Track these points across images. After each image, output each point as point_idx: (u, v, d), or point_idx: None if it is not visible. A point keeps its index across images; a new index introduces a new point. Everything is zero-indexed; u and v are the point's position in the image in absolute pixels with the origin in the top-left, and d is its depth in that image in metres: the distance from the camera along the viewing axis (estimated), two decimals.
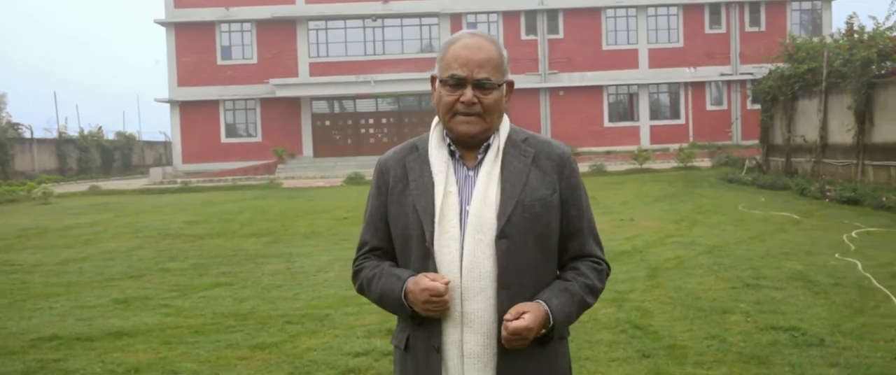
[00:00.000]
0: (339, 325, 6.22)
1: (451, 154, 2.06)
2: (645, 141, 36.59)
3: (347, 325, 6.20)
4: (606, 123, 37.26)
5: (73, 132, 41.53)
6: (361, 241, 2.19)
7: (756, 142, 25.25)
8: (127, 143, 46.84)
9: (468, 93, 1.98)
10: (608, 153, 33.23)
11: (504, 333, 1.90)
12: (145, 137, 52.22)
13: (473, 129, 2.01)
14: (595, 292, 2.08)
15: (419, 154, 2.09)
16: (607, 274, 2.15)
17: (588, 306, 2.08)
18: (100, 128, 43.59)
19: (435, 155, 2.06)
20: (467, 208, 1.98)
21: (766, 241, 9.90)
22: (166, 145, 50.51)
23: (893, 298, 6.27)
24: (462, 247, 1.96)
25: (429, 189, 2.02)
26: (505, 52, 2.07)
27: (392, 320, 6.24)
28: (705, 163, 28.72)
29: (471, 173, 2.04)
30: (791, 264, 8.08)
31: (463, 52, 2.01)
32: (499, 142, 2.05)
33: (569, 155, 2.10)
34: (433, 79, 2.08)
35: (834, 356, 4.91)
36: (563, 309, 1.98)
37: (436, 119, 2.11)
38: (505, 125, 2.10)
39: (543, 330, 1.95)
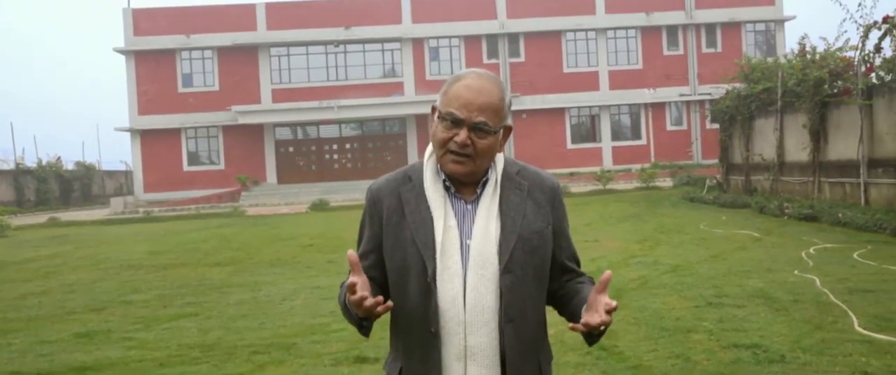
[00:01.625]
0: (305, 354, 6.19)
1: (447, 188, 2.06)
2: (607, 162, 37.05)
3: (314, 353, 6.17)
4: (569, 145, 37.65)
5: (31, 163, 40.75)
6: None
7: (716, 161, 25.68)
8: (87, 173, 46.08)
9: (462, 135, 1.98)
10: (572, 174, 33.54)
11: (605, 317, 1.88)
12: (106, 167, 51.40)
13: (461, 170, 2.01)
14: None
15: (414, 185, 2.08)
16: None
17: None
18: (59, 158, 42.85)
19: (431, 188, 2.06)
20: (468, 242, 1.99)
21: (728, 259, 10.05)
22: (127, 174, 49.80)
23: (851, 313, 6.41)
24: (465, 282, 1.98)
25: (428, 223, 2.02)
26: (508, 97, 2.08)
27: (360, 347, 6.24)
28: (667, 182, 29.12)
29: (469, 207, 2.05)
30: (752, 282, 8.21)
31: (465, 93, 1.99)
32: (496, 175, 2.07)
33: (558, 186, 2.16)
34: (433, 108, 2.06)
35: (795, 372, 5.00)
36: None
37: (429, 149, 2.09)
38: (500, 158, 2.11)
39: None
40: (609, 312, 1.88)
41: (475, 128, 1.98)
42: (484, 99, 1.99)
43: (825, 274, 8.41)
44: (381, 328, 2.10)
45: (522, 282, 2.01)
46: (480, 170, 2.05)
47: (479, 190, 2.06)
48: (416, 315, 2.01)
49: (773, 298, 7.25)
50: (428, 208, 2.03)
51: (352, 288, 1.86)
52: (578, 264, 2.22)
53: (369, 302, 1.86)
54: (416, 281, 2.00)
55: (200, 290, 9.98)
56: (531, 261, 2.02)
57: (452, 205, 2.04)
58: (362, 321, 1.98)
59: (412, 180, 2.09)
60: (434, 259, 1.98)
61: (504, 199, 2.04)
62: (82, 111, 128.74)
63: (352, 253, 1.92)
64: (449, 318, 1.97)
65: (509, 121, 2.11)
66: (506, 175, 2.08)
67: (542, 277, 2.08)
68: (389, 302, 1.92)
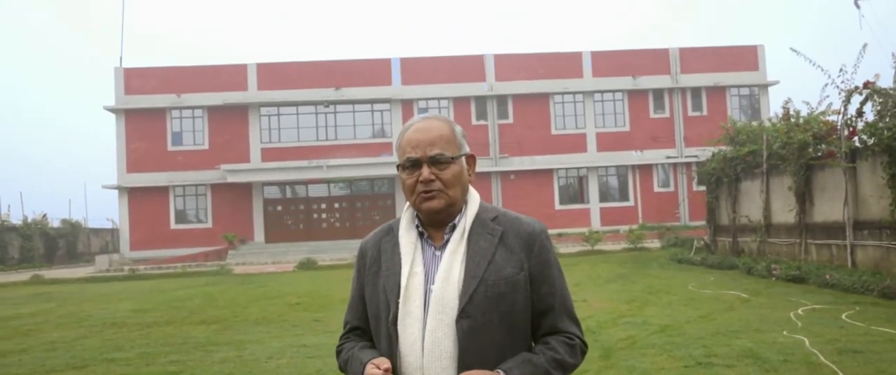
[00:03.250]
0: None
1: (420, 234, 2.09)
2: (595, 222, 37.14)
3: None
4: (557, 206, 37.77)
5: (16, 220, 40.47)
6: (344, 321, 2.25)
7: (703, 222, 25.79)
8: (72, 231, 45.76)
9: (425, 172, 2.03)
10: (560, 235, 33.59)
11: None
12: (92, 224, 51.10)
13: (438, 205, 2.04)
14: (564, 367, 2.03)
15: (393, 235, 2.13)
16: (584, 352, 2.11)
17: None
18: (44, 215, 42.59)
19: (404, 236, 2.09)
20: (431, 287, 1.99)
21: (717, 320, 10.02)
22: (113, 232, 49.48)
23: (840, 373, 6.38)
24: (424, 327, 1.96)
25: (397, 269, 2.05)
26: (458, 128, 2.13)
27: None
28: (655, 243, 29.17)
29: (438, 253, 2.06)
30: (741, 342, 8.18)
31: (414, 136, 2.07)
32: (465, 221, 2.07)
33: (540, 232, 2.11)
34: (398, 168, 2.13)
35: None
36: None
37: (408, 202, 2.15)
38: (473, 203, 2.12)
39: None
40: None
41: (433, 162, 2.04)
42: (433, 134, 2.07)
43: (814, 334, 8.39)
44: None
45: (483, 329, 1.96)
46: (458, 200, 2.08)
47: (446, 235, 2.06)
48: None
49: (762, 358, 7.22)
50: (400, 256, 2.06)
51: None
52: (572, 318, 2.12)
53: None
54: (383, 326, 2.03)
55: (184, 348, 9.83)
56: (497, 308, 1.98)
57: (423, 251, 2.07)
58: None
59: (393, 231, 2.16)
60: (397, 303, 2.00)
61: (472, 244, 2.04)
62: (70, 168, 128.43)
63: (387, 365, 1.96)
64: (408, 364, 1.97)
65: (467, 150, 2.14)
66: (478, 220, 2.09)
67: (513, 326, 2.02)
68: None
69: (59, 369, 8.71)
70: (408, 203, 2.14)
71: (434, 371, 1.94)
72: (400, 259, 2.06)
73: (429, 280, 2.02)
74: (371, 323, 2.11)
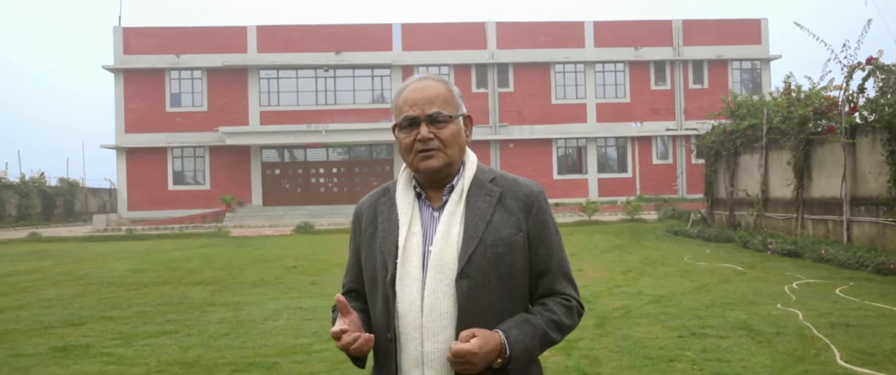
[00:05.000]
0: (287, 373, 6.13)
1: (418, 195, 2.09)
2: (593, 193, 37.18)
3: (296, 373, 6.11)
4: (555, 176, 37.76)
5: (13, 177, 40.46)
6: (342, 283, 2.26)
7: (701, 195, 25.83)
8: (70, 190, 45.78)
9: (423, 130, 2.01)
10: (557, 205, 33.63)
11: (447, 354, 1.89)
12: (90, 184, 51.15)
13: (436, 163, 2.02)
14: (561, 327, 2.04)
15: (389, 197, 2.12)
16: (580, 313, 2.11)
17: (553, 341, 2.04)
18: (42, 173, 42.63)
19: (401, 197, 2.08)
20: (430, 248, 1.99)
21: (711, 292, 10.08)
22: (111, 192, 49.54)
23: (833, 347, 6.43)
24: (423, 287, 1.96)
25: (394, 230, 2.04)
26: (455, 89, 2.11)
27: (342, 367, 6.21)
28: (652, 215, 29.24)
29: (436, 214, 2.05)
30: (735, 314, 8.23)
31: (412, 95, 2.05)
32: (463, 182, 2.06)
33: (538, 193, 2.10)
34: (394, 130, 2.11)
35: None
36: (524, 340, 1.95)
37: (405, 163, 2.13)
38: (471, 164, 2.11)
39: (499, 360, 1.92)
40: (455, 353, 1.86)
41: (431, 121, 2.03)
42: (431, 92, 2.05)
43: (808, 308, 8.44)
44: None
45: (483, 289, 1.96)
46: (455, 160, 2.07)
47: (445, 196, 2.06)
48: (380, 322, 2.02)
49: (755, 330, 7.27)
50: (397, 216, 2.06)
51: (336, 336, 1.91)
52: (569, 280, 2.12)
53: (347, 339, 1.90)
54: (381, 287, 2.02)
55: (181, 308, 9.89)
56: (495, 269, 1.98)
57: (420, 212, 2.06)
58: (356, 360, 2.02)
59: (390, 192, 2.14)
60: (395, 263, 1.99)
61: (470, 205, 2.03)
62: (68, 127, 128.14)
63: (340, 297, 1.94)
64: (407, 324, 1.96)
65: (464, 110, 2.13)
66: (476, 181, 2.08)
67: (512, 287, 2.02)
68: (370, 336, 1.95)
69: (56, 325, 8.76)
70: (404, 164, 2.13)
71: (433, 331, 1.94)
72: (397, 219, 2.05)
73: (427, 240, 2.01)
74: (367, 285, 2.10)
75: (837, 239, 14.60)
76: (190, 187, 37.05)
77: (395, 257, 2.00)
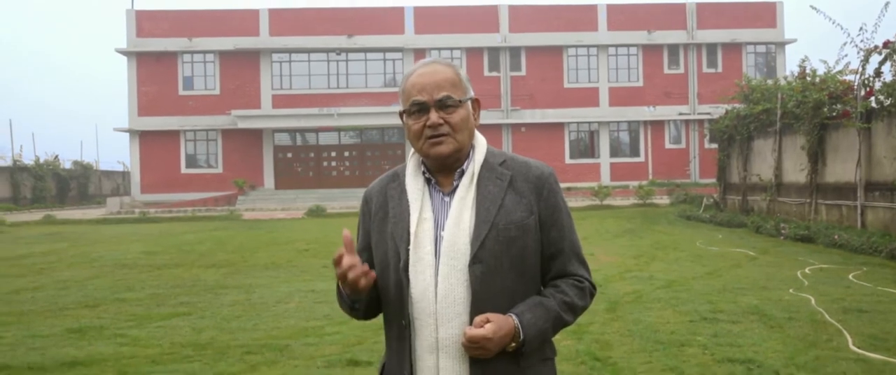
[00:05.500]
0: (299, 356, 6.16)
1: (428, 181, 2.08)
2: (605, 178, 37.09)
3: (308, 356, 6.15)
4: (567, 160, 37.68)
5: (28, 160, 40.74)
6: None
7: (713, 180, 25.72)
8: (84, 173, 46.06)
9: (433, 116, 2.00)
10: (569, 189, 33.57)
11: (462, 340, 1.91)
12: (103, 167, 51.41)
13: (446, 149, 2.01)
14: (574, 309, 2.05)
15: (399, 182, 2.11)
16: (592, 294, 2.11)
17: (566, 323, 2.05)
18: (56, 156, 42.86)
19: (411, 182, 2.07)
20: (442, 233, 1.98)
21: (723, 277, 10.05)
22: (125, 175, 49.81)
23: (845, 332, 6.41)
24: (436, 273, 1.96)
25: (405, 216, 2.03)
26: (463, 72, 2.10)
27: (353, 350, 6.24)
28: (664, 200, 29.14)
29: (447, 199, 2.04)
30: (747, 299, 8.21)
31: (420, 80, 2.03)
32: (473, 166, 2.05)
33: (548, 175, 2.09)
34: (401, 115, 2.10)
35: None
36: (537, 323, 1.95)
37: (414, 149, 2.13)
38: (480, 148, 2.10)
39: (513, 344, 1.93)
40: (469, 338, 1.88)
41: (440, 106, 2.01)
42: (439, 77, 2.04)
43: (820, 293, 8.41)
44: (375, 332, 2.12)
45: (496, 273, 1.96)
46: (465, 145, 2.06)
47: (455, 181, 2.05)
48: (393, 309, 2.03)
49: (767, 315, 7.25)
50: (407, 202, 2.05)
51: (338, 262, 1.92)
52: (581, 261, 2.12)
53: (355, 271, 1.92)
54: (393, 273, 2.01)
55: (194, 291, 9.96)
56: (507, 252, 1.97)
57: (431, 197, 2.05)
58: (354, 303, 2.04)
59: (399, 177, 2.13)
60: (407, 250, 1.99)
61: (481, 189, 2.02)
62: (82, 110, 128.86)
63: (347, 232, 1.95)
64: (421, 310, 1.96)
65: (472, 93, 2.12)
66: (486, 165, 2.07)
67: (524, 270, 2.02)
68: (372, 272, 1.96)
69: (71, 307, 8.84)
70: (412, 149, 2.12)
71: (447, 317, 1.94)
72: (408, 205, 2.04)
73: (439, 226, 2.00)
74: (377, 270, 2.09)
75: (851, 224, 14.51)
76: (202, 170, 37.21)
77: (408, 243, 1.99)
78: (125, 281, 11.10)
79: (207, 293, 9.75)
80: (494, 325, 1.88)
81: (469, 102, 2.08)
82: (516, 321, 1.93)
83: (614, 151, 38.16)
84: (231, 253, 14.85)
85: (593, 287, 2.12)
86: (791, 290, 8.69)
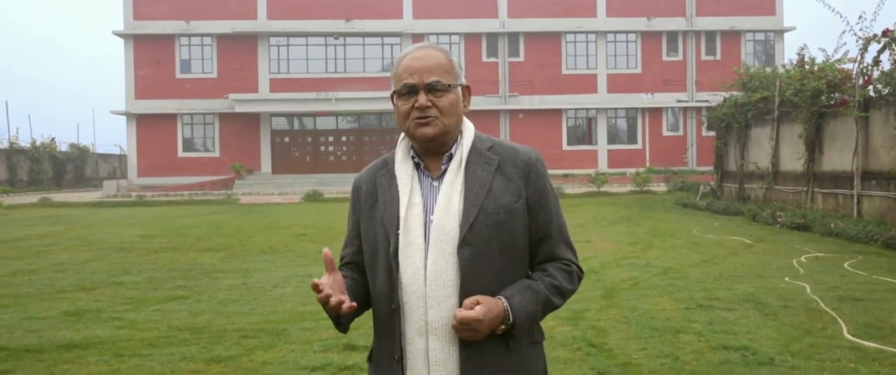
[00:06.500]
0: (295, 340, 6.19)
1: (416, 166, 2.09)
2: (602, 164, 37.09)
3: (304, 340, 6.17)
4: (565, 146, 37.67)
5: (24, 142, 40.65)
6: (341, 256, 2.26)
7: (711, 168, 25.72)
8: (80, 155, 45.96)
9: (421, 98, 2.02)
10: (566, 176, 33.58)
11: (452, 322, 1.93)
12: (100, 150, 51.30)
13: (432, 131, 2.03)
14: (562, 292, 2.08)
15: (388, 169, 2.13)
16: (580, 278, 2.14)
17: (554, 306, 2.07)
18: (53, 139, 42.75)
19: (400, 168, 2.09)
20: (431, 218, 2.00)
21: (719, 264, 10.08)
22: (121, 158, 49.69)
23: (840, 320, 6.44)
24: (426, 257, 1.98)
25: (395, 202, 2.05)
26: (455, 58, 2.12)
27: (349, 335, 6.25)
28: (661, 187, 29.16)
29: (435, 183, 2.06)
30: (743, 286, 8.24)
31: (411, 63, 2.06)
32: (462, 151, 2.07)
33: (535, 160, 2.11)
34: (392, 97, 2.12)
35: (783, 374, 5.03)
36: (526, 306, 1.98)
37: (402, 133, 2.14)
38: (469, 133, 2.12)
39: (503, 327, 1.95)
40: (460, 320, 1.90)
41: (430, 89, 2.04)
42: (431, 61, 2.06)
43: (816, 281, 8.44)
44: (370, 317, 2.13)
45: (485, 257, 1.98)
46: (452, 129, 2.07)
47: (444, 166, 2.07)
48: (383, 293, 2.04)
49: (763, 303, 7.28)
50: (397, 188, 2.06)
51: (316, 288, 1.93)
52: (568, 245, 2.15)
53: (333, 301, 1.93)
54: (383, 259, 2.04)
55: (191, 274, 9.97)
56: (497, 236, 2.00)
57: (420, 182, 2.07)
58: (339, 318, 2.04)
59: (389, 164, 2.15)
60: (397, 235, 2.01)
61: (469, 174, 2.04)
62: (78, 93, 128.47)
63: (327, 251, 1.98)
64: (411, 293, 1.98)
65: (463, 80, 2.13)
66: (474, 150, 2.09)
67: (513, 254, 2.04)
68: (353, 304, 1.96)
69: (68, 290, 8.85)
70: (402, 134, 2.13)
71: (437, 299, 1.96)
72: (397, 191, 2.05)
73: (428, 210, 2.02)
74: (367, 257, 2.12)
75: (847, 213, 14.55)
76: (199, 154, 37.15)
77: (397, 228, 2.01)
78: (122, 264, 11.10)
79: (204, 277, 9.76)
80: (484, 307, 1.91)
81: (459, 88, 2.11)
82: (506, 303, 1.96)
83: (612, 138, 38.14)
84: (228, 237, 14.86)
85: (580, 270, 2.15)
86: (787, 278, 8.72)
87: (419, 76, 2.03)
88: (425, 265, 1.98)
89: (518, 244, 2.06)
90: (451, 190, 2.02)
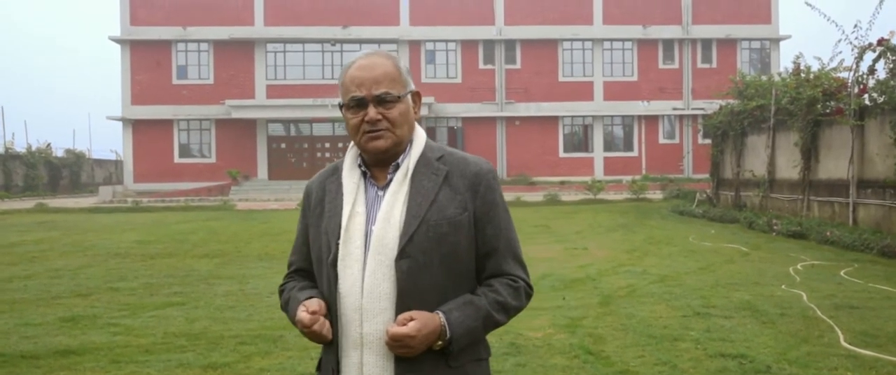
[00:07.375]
0: (292, 346, 6.17)
1: (363, 174, 2.05)
2: (599, 172, 37.15)
3: (301, 346, 6.16)
4: (561, 154, 37.72)
5: (20, 148, 40.57)
6: (289, 262, 2.23)
7: (707, 175, 25.79)
8: (76, 161, 45.88)
9: (371, 112, 1.97)
10: (563, 183, 33.61)
11: (385, 338, 1.88)
12: (96, 155, 51.22)
13: (384, 144, 1.98)
14: (507, 309, 2.01)
15: (337, 176, 2.08)
16: (528, 295, 2.07)
17: (497, 323, 2.00)
18: (48, 144, 42.70)
19: (347, 177, 2.04)
20: (372, 228, 1.96)
21: (716, 272, 10.09)
22: (117, 164, 49.65)
23: (837, 328, 6.44)
24: (364, 268, 1.93)
25: (338, 211, 2.00)
26: (403, 65, 2.06)
27: None
28: (657, 195, 29.21)
29: (380, 193, 2.01)
30: (739, 294, 8.25)
31: (358, 73, 2.00)
32: (409, 161, 2.02)
33: (486, 172, 2.04)
34: (340, 108, 2.06)
35: None
36: (465, 322, 1.92)
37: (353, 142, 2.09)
38: (419, 142, 2.06)
39: (440, 342, 1.90)
40: (391, 336, 1.86)
41: (379, 101, 1.98)
42: (378, 71, 2.00)
43: (812, 289, 8.45)
44: None
45: (424, 269, 1.92)
46: (403, 140, 2.02)
47: (390, 175, 2.02)
48: (328, 304, 1.99)
49: (760, 311, 7.29)
50: (342, 196, 2.02)
51: (308, 323, 1.92)
52: (517, 261, 2.08)
53: (317, 327, 1.92)
54: (325, 268, 2.00)
55: (188, 281, 9.95)
56: (438, 249, 1.93)
57: (365, 191, 2.02)
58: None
59: (338, 171, 2.10)
60: (337, 244, 1.97)
61: (415, 184, 1.98)
62: (74, 98, 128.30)
63: (308, 317, 1.94)
64: (347, 305, 1.94)
65: (412, 86, 2.08)
66: (422, 159, 2.03)
67: (456, 267, 1.98)
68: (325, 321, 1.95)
69: (64, 296, 8.82)
70: (352, 142, 2.08)
71: (373, 312, 1.91)
72: (342, 200, 2.02)
73: (370, 220, 1.98)
74: (314, 265, 2.08)
75: (843, 221, 14.58)
76: (195, 160, 37.13)
77: (338, 238, 1.97)
78: (118, 270, 11.07)
79: (201, 283, 9.74)
80: (418, 323, 1.85)
81: (409, 96, 2.05)
82: (443, 319, 1.90)
83: (608, 145, 38.21)
84: (224, 243, 14.83)
85: (530, 287, 2.08)
86: (783, 286, 8.73)
87: (367, 88, 1.97)
88: (363, 276, 1.93)
89: (462, 257, 1.99)
90: (395, 200, 1.97)
